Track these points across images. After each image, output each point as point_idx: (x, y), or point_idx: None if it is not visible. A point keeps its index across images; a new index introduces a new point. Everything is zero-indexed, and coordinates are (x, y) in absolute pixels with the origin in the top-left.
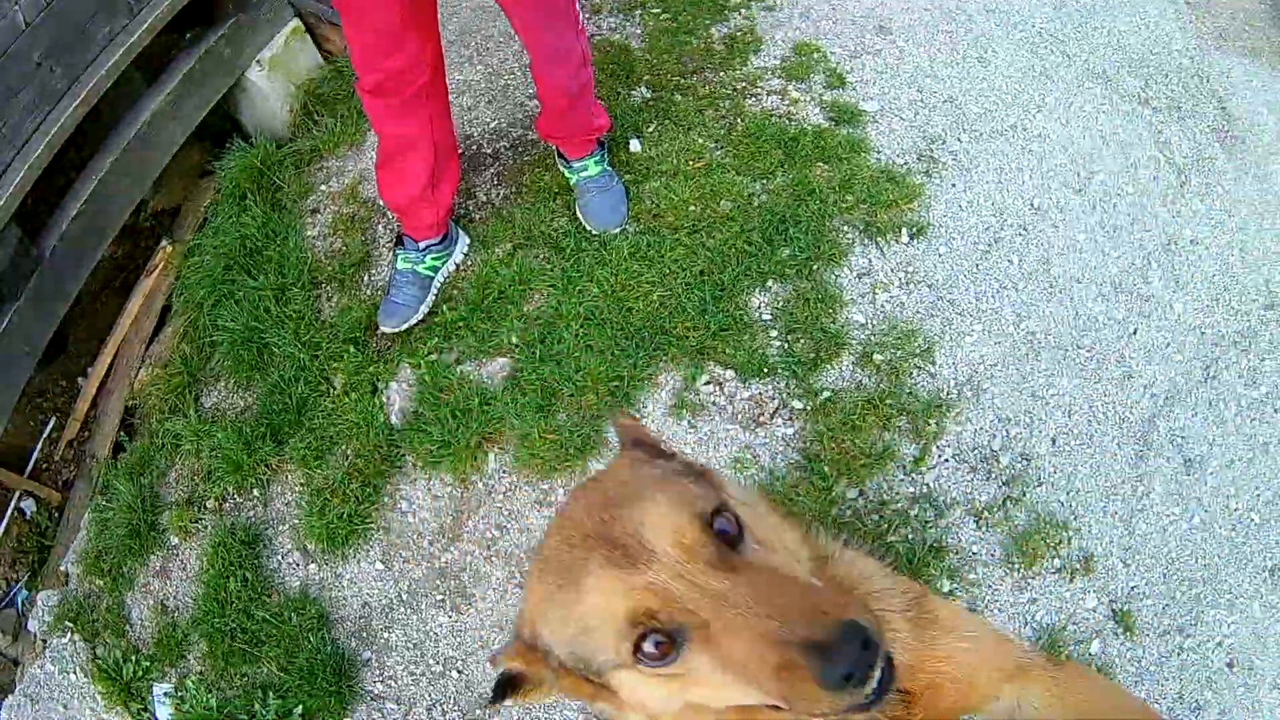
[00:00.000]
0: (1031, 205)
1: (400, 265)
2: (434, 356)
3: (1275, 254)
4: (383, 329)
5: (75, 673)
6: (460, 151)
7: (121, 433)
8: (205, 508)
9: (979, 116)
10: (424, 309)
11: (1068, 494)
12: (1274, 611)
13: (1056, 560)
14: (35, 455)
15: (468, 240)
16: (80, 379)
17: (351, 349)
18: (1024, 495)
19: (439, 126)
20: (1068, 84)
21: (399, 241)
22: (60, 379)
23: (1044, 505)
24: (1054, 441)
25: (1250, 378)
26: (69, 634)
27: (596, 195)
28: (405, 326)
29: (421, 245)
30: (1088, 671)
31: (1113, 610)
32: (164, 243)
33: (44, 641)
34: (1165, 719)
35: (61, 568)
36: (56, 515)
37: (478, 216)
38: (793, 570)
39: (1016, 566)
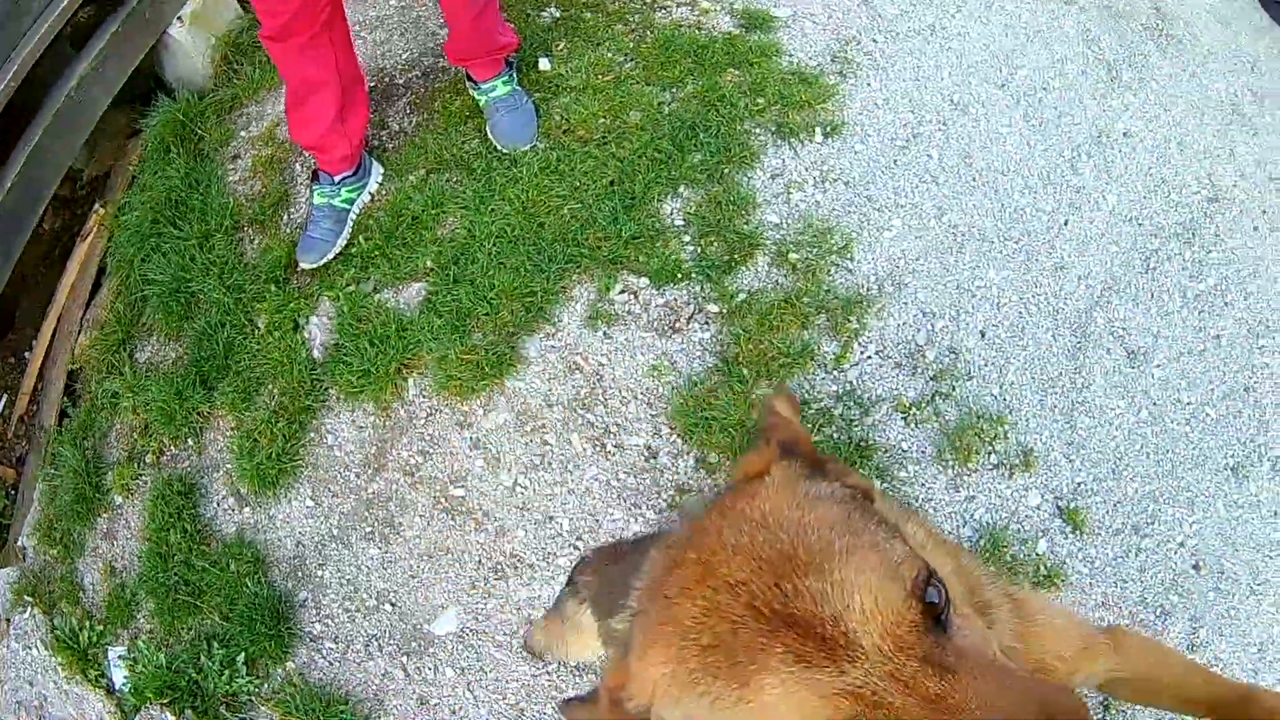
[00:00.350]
0: (951, 101)
1: (316, 200)
2: (352, 287)
3: (1217, 149)
4: (302, 265)
5: (36, 647)
6: (371, 84)
7: (66, 399)
8: (144, 463)
9: (896, 17)
10: (341, 241)
11: (1000, 387)
12: (1240, 511)
13: (993, 456)
14: None
15: (381, 170)
16: (28, 355)
17: (273, 288)
18: (953, 390)
19: (343, 61)
20: None
21: (314, 177)
22: (10, 356)
23: (975, 399)
24: (983, 334)
25: (1195, 270)
26: (29, 608)
27: (506, 115)
28: (324, 261)
29: (336, 179)
30: (1144, 639)
31: (1058, 507)
32: (96, 206)
33: (7, 620)
34: (1220, 676)
35: (18, 543)
36: (12, 493)
37: (391, 146)
38: (994, 648)
39: (950, 463)
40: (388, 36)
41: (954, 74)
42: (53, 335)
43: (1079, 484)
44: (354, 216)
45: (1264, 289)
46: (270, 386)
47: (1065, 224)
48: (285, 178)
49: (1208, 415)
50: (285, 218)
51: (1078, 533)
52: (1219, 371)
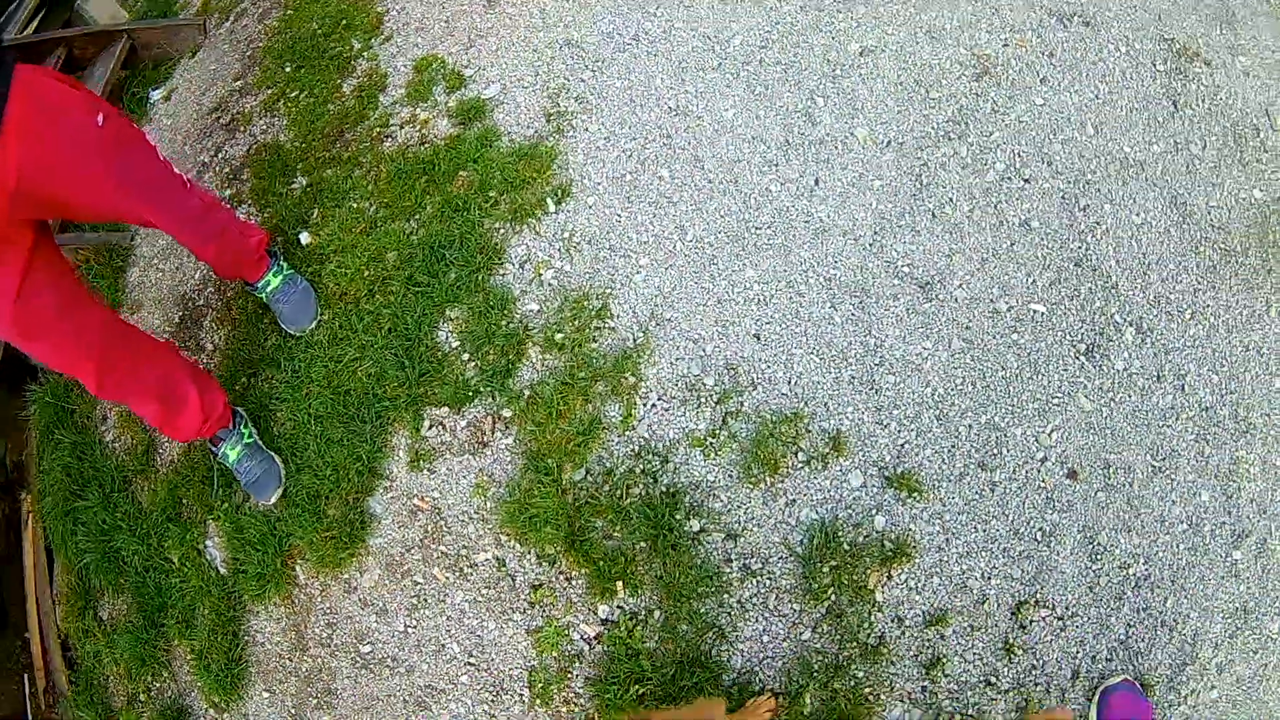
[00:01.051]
0: (670, 109)
1: (232, 455)
2: (225, 504)
3: (975, 15)
4: (270, 502)
5: None
6: (179, 314)
7: (66, 667)
8: (140, 702)
9: (598, 44)
10: (278, 464)
11: (789, 383)
12: (1110, 395)
13: (800, 454)
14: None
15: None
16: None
17: (171, 526)
18: (741, 406)
19: (159, 366)
20: None
21: (214, 443)
22: (18, 641)
23: (767, 405)
24: (757, 337)
25: (976, 163)
26: None
27: (285, 304)
28: (284, 488)
29: (233, 428)
30: None
31: (885, 478)
32: (23, 494)
33: None
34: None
35: None
36: None
37: (212, 364)
38: None
39: (760, 477)
40: (180, 263)
41: (667, 77)
42: (38, 613)
43: (902, 446)
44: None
45: (1074, 142)
46: (201, 609)
47: (816, 184)
48: (142, 425)
49: (1036, 312)
50: (157, 459)
51: (915, 496)
52: (1039, 259)
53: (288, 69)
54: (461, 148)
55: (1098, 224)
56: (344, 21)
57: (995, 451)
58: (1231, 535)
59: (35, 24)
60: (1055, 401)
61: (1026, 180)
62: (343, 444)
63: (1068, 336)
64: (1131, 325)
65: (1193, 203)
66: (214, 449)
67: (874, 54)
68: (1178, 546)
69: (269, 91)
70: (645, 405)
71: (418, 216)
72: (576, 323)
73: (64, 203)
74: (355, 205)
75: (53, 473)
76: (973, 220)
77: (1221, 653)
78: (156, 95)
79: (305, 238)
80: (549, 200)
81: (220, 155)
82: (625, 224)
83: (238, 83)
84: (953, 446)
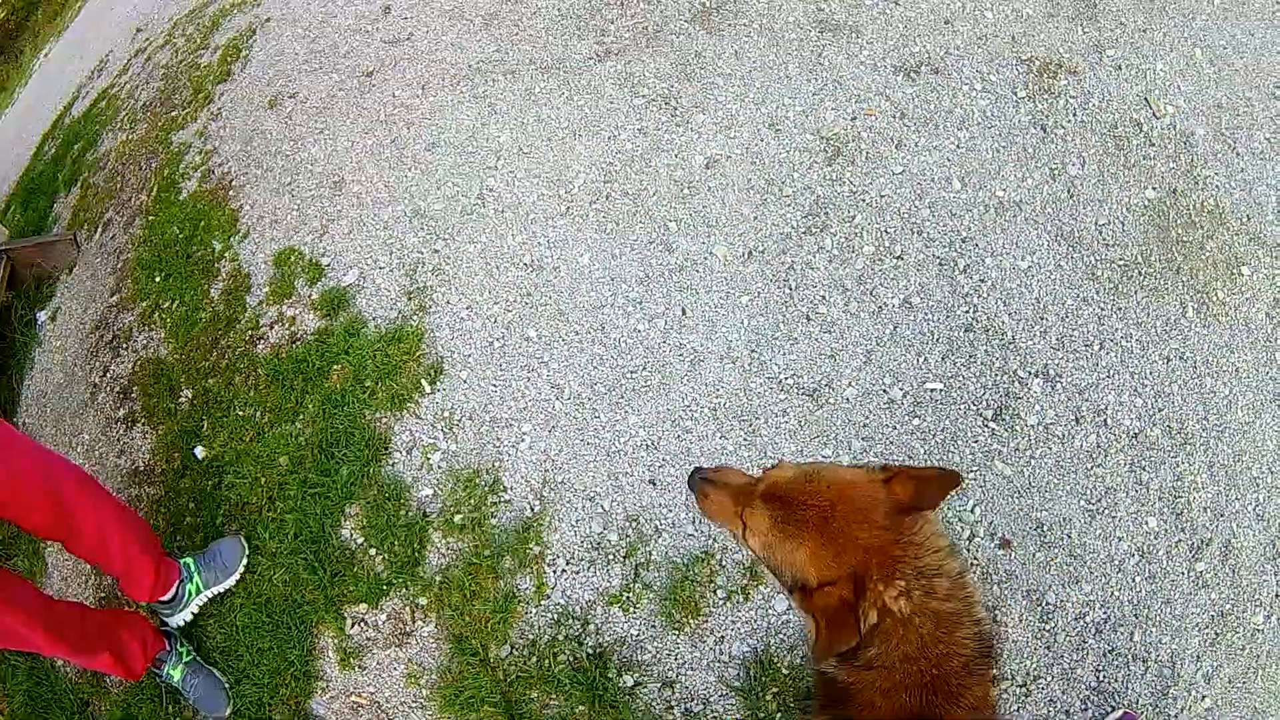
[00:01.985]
0: (526, 265)
1: (176, 675)
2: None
3: (816, 93)
4: (224, 714)
5: None
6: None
7: None
8: None
9: (445, 210)
10: (221, 681)
11: (694, 523)
12: (1025, 454)
13: (719, 591)
14: None
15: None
16: None
17: None
18: (650, 556)
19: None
20: (511, 106)
21: (156, 665)
22: None
23: (675, 550)
24: (653, 483)
25: (843, 252)
26: None
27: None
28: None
29: (169, 649)
30: None
31: None
32: None
33: None
34: None
35: None
36: None
37: None
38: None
39: (684, 621)
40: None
41: (518, 233)
42: None
43: None
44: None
45: (942, 203)
46: None
47: (683, 313)
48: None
49: (933, 390)
50: (107, 681)
51: None
52: (927, 335)
53: (157, 279)
54: (330, 340)
55: (982, 281)
56: (202, 223)
57: None
58: (1190, 550)
59: None
60: (971, 475)
61: (899, 257)
62: (274, 651)
63: (972, 406)
64: (1037, 376)
65: (1080, 228)
66: (157, 672)
67: (720, 163)
68: (1134, 580)
69: (143, 305)
70: (555, 572)
71: (301, 417)
72: (472, 501)
73: None
74: (241, 413)
75: (16, 698)
76: (850, 313)
77: (1205, 662)
78: (43, 316)
79: (200, 452)
80: (424, 381)
81: (108, 375)
82: (501, 393)
83: (114, 297)
84: None
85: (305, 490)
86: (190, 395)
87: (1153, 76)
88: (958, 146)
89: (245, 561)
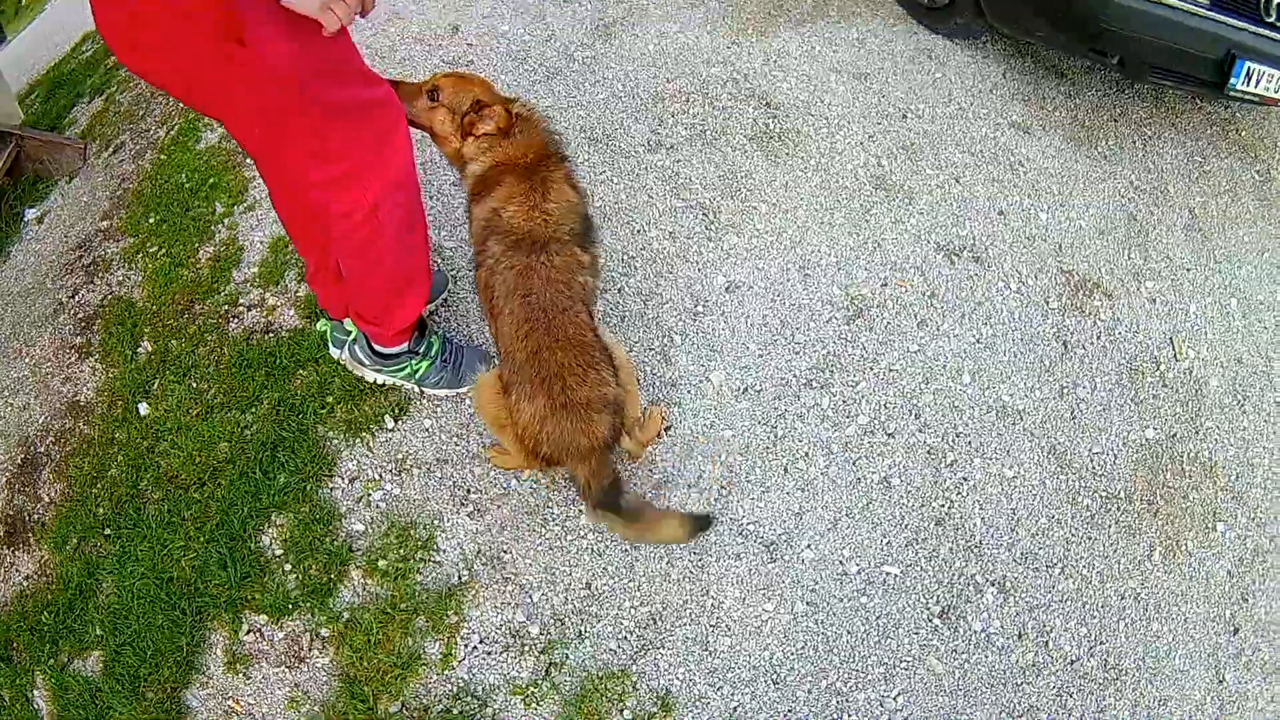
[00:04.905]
0: None
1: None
2: (51, 661)
3: (853, 253)
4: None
5: None
6: (19, 457)
7: None
8: None
9: (451, 257)
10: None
11: (618, 639)
12: (958, 660)
13: (625, 712)
14: None
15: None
16: None
17: (3, 665)
18: (567, 657)
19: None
20: None
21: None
22: None
23: (594, 659)
24: (589, 587)
25: (839, 415)
26: None
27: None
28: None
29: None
30: None
31: None
32: None
33: None
34: None
35: None
36: None
37: (46, 517)
38: None
39: None
40: (28, 401)
41: None
42: None
43: (734, 710)
44: None
45: (947, 392)
46: None
47: (667, 430)
48: None
49: (889, 574)
50: None
51: None
52: (896, 518)
53: (151, 220)
54: (304, 344)
55: (965, 480)
56: (211, 179)
57: (835, 717)
58: None
59: None
60: (903, 665)
61: (890, 434)
62: (163, 630)
63: (922, 599)
64: (993, 585)
65: (1074, 451)
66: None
67: (740, 290)
68: None
69: (130, 241)
70: (466, 647)
71: (255, 410)
72: (402, 551)
73: None
74: (195, 385)
75: None
76: (828, 477)
77: None
78: (31, 215)
79: (144, 408)
80: (387, 416)
81: (76, 298)
82: (460, 455)
83: (104, 223)
84: (789, 711)
85: (238, 483)
86: (150, 349)
87: (1184, 317)
88: (977, 340)
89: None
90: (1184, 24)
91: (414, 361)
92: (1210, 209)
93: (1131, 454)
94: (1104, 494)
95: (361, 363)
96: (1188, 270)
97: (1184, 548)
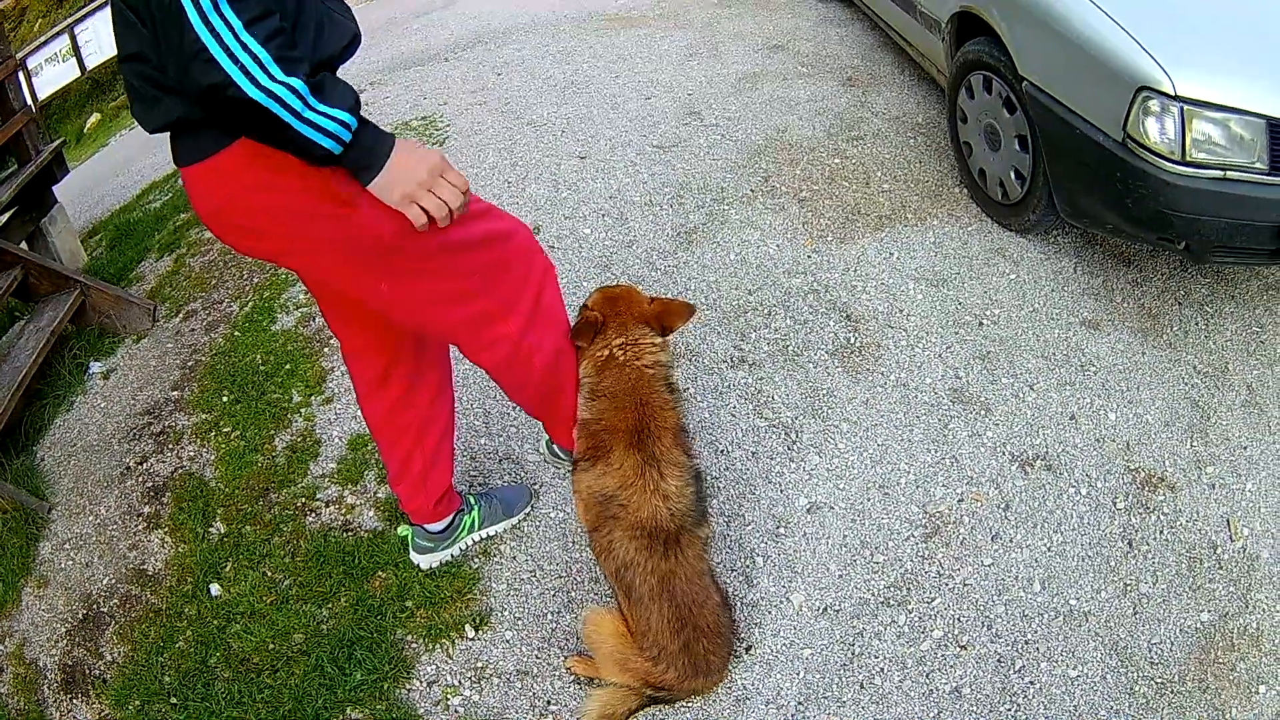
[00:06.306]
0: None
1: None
2: None
3: (930, 469)
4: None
5: None
6: (80, 612)
7: None
8: None
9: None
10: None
11: None
12: None
13: None
14: None
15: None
16: None
17: None
18: None
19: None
20: None
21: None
22: None
23: None
24: None
25: (914, 631)
26: None
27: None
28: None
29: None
30: None
31: None
32: None
33: None
34: None
35: None
36: None
37: (107, 676)
38: None
39: None
40: (91, 559)
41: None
42: None
43: None
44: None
45: (1019, 602)
46: None
47: (747, 650)
48: (38, 697)
49: None
50: None
51: None
52: None
53: (225, 398)
54: (384, 546)
55: (1031, 684)
56: (287, 366)
57: None
58: None
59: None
60: None
61: (963, 646)
62: None
63: None
64: None
65: (1134, 645)
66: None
67: (822, 511)
68: None
69: (203, 416)
70: None
71: (331, 605)
72: None
73: None
74: (269, 574)
75: None
76: (901, 690)
77: None
78: (96, 369)
79: (215, 589)
80: (468, 626)
81: (145, 466)
82: (540, 668)
83: (175, 393)
84: None
85: (312, 675)
86: (223, 531)
87: (1240, 496)
88: (1048, 549)
89: (529, 510)
90: (1246, 195)
91: (466, 516)
92: (1266, 380)
93: (1187, 639)
94: (1159, 680)
95: (430, 549)
96: (1244, 449)
97: (1228, 715)
